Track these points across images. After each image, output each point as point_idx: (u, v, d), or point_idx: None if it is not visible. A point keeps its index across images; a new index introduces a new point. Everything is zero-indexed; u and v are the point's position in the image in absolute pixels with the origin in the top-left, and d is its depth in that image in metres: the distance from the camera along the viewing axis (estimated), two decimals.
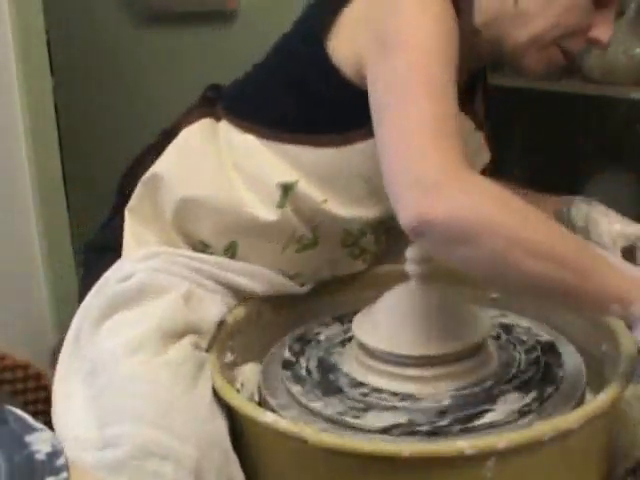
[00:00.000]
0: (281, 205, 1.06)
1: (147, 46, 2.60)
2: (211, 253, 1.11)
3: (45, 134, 1.76)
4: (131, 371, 0.95)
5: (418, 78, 0.91)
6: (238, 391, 1.04)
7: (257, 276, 1.12)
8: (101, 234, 1.18)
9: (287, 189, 1.06)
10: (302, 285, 1.17)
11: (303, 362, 1.05)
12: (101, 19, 2.68)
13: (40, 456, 0.87)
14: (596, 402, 0.89)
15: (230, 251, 1.11)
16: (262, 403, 1.01)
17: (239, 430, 0.97)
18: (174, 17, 2.59)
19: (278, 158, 1.07)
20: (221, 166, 1.09)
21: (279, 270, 1.13)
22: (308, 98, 1.05)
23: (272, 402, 0.97)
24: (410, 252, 1.01)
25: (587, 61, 1.99)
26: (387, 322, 1.01)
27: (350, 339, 1.09)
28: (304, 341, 1.10)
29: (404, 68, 0.92)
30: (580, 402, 0.96)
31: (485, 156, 1.20)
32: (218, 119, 1.13)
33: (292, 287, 1.15)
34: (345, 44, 1.02)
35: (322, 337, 1.11)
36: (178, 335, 1.01)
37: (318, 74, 1.04)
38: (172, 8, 2.59)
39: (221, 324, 1.09)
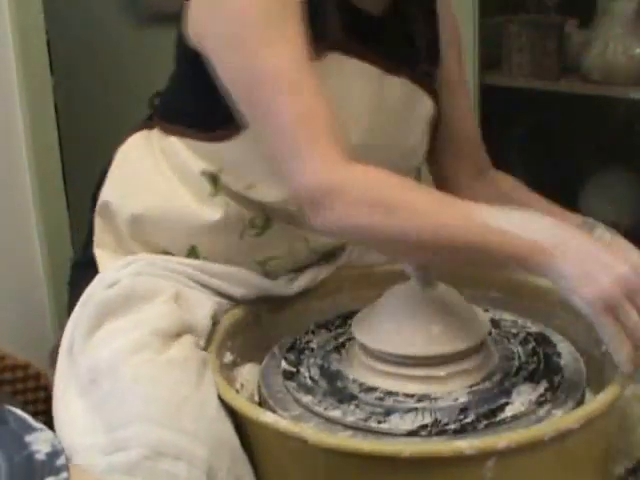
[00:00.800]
0: (214, 194, 1.07)
1: (147, 46, 2.59)
2: None
3: (45, 134, 1.76)
4: (134, 373, 0.95)
5: (266, 71, 0.94)
6: (238, 391, 1.04)
7: (234, 279, 1.11)
8: (82, 254, 1.19)
9: (214, 178, 1.07)
10: (289, 274, 1.15)
11: (304, 371, 1.04)
12: (101, 19, 2.68)
13: (40, 456, 0.87)
14: (596, 402, 0.89)
15: (193, 255, 1.11)
16: (262, 403, 1.01)
17: (240, 430, 0.97)
18: (174, 17, 2.58)
19: (196, 153, 1.08)
20: (160, 174, 1.10)
21: (251, 259, 1.11)
22: (201, 94, 1.05)
23: (285, 415, 0.95)
24: None
25: (587, 61, 1.99)
26: (387, 323, 1.01)
27: (343, 345, 1.09)
28: (297, 350, 1.09)
29: (248, 64, 0.95)
30: (580, 402, 0.96)
31: (428, 106, 1.17)
32: (152, 127, 1.14)
33: (275, 288, 1.14)
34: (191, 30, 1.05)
35: (314, 345, 1.10)
36: (175, 335, 1.01)
37: (198, 69, 1.04)
38: (172, 8, 2.58)
39: (220, 324, 1.09)
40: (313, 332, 1.13)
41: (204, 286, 1.10)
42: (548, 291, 1.14)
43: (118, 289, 1.03)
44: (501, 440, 0.84)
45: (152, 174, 1.11)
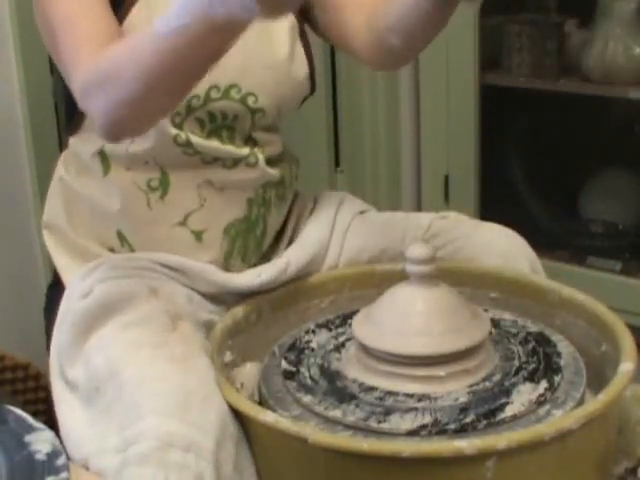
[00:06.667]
0: (105, 172, 1.11)
1: None
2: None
3: (45, 133, 1.76)
4: (137, 373, 0.94)
5: (55, 17, 0.99)
6: (238, 391, 1.04)
7: (191, 273, 1.11)
8: (53, 277, 1.20)
9: (101, 155, 1.11)
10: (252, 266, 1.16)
11: (304, 371, 1.04)
12: None
13: (40, 456, 0.87)
14: (596, 402, 0.89)
15: (121, 238, 1.13)
16: (262, 403, 1.01)
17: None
18: None
19: (82, 140, 1.14)
20: (68, 174, 1.17)
21: (173, 223, 1.12)
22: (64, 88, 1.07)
23: (285, 414, 0.95)
24: (410, 252, 1.01)
25: (587, 61, 1.99)
26: (387, 322, 1.01)
27: (343, 344, 1.09)
28: (297, 350, 1.09)
29: (45, 15, 1.01)
30: (580, 402, 0.96)
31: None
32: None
33: (236, 281, 1.13)
34: None
35: (314, 345, 1.10)
36: (168, 327, 1.01)
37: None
38: None
39: (220, 323, 1.09)
40: (313, 332, 1.13)
41: (170, 278, 1.10)
42: (548, 291, 1.14)
43: (94, 298, 1.03)
44: (501, 440, 0.84)
45: (66, 177, 1.17)
